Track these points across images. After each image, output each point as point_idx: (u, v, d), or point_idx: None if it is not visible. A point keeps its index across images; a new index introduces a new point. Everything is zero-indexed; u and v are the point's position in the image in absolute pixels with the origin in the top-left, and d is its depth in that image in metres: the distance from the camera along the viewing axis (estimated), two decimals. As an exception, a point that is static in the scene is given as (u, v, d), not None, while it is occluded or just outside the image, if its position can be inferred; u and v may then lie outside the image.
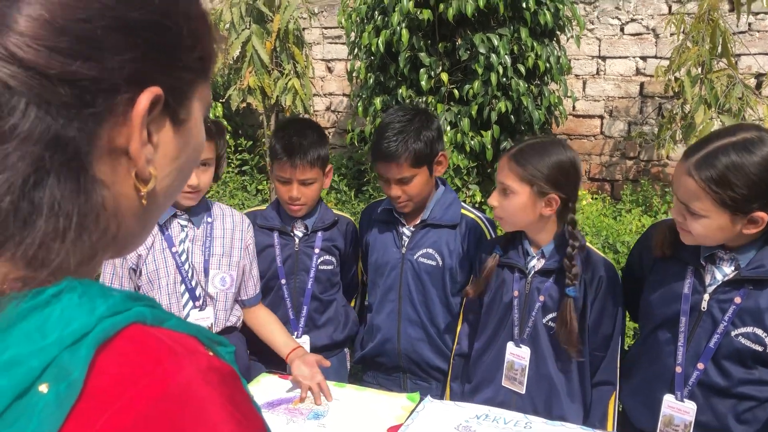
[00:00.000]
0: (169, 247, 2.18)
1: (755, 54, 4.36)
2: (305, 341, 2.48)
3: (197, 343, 0.53)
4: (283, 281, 2.46)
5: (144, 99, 0.56)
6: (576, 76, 4.86)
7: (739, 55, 4.40)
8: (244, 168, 5.38)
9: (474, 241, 2.33)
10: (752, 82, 4.36)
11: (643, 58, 4.62)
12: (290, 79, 4.87)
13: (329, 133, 5.82)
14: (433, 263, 2.35)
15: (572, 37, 3.95)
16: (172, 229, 2.20)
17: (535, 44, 3.70)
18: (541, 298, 2.01)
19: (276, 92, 4.91)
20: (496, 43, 3.58)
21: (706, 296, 1.75)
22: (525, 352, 2.06)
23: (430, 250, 2.36)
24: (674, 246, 1.84)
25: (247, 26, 4.82)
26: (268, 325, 2.36)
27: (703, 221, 1.66)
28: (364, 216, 2.59)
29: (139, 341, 0.49)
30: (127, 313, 0.50)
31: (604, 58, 4.78)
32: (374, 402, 2.04)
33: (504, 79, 3.68)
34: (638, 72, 4.66)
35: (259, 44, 4.78)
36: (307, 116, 5.49)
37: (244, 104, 4.98)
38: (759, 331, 1.68)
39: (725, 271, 1.76)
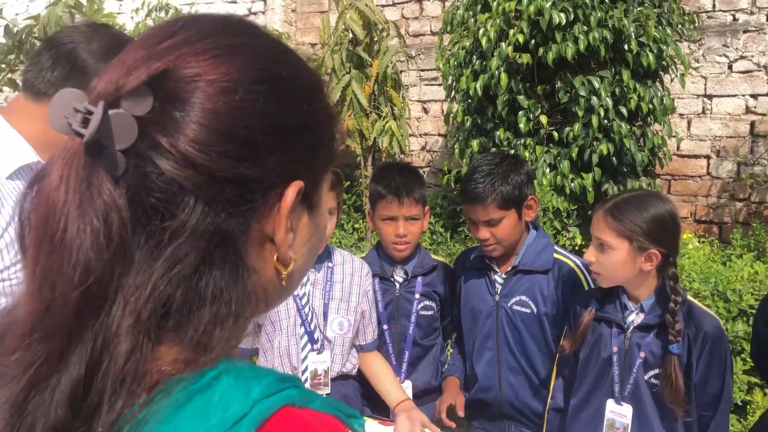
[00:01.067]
0: None
1: None
2: (408, 386, 2.50)
3: (340, 423, 0.56)
4: (385, 326, 2.50)
5: (291, 193, 0.61)
6: (680, 115, 4.72)
7: None
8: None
9: (569, 288, 2.29)
10: None
11: (754, 96, 4.44)
12: (387, 122, 4.98)
13: (424, 172, 5.89)
14: (528, 311, 2.33)
15: (677, 77, 3.85)
16: None
17: (637, 86, 3.63)
18: (642, 354, 1.95)
19: (374, 134, 5.02)
20: (597, 85, 3.54)
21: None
22: (627, 410, 2.00)
23: (524, 297, 2.34)
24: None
25: (347, 71, 4.98)
26: (381, 374, 2.38)
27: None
28: (458, 263, 2.61)
29: (291, 423, 0.53)
30: (279, 395, 0.53)
31: (710, 97, 4.62)
32: None
33: (605, 121, 3.62)
34: (748, 111, 4.47)
35: (359, 89, 4.92)
36: (403, 158, 5.58)
37: (343, 146, 5.11)
38: None
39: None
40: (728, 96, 4.55)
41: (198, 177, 0.54)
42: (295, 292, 2.27)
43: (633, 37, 3.52)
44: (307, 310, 2.26)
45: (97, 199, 0.51)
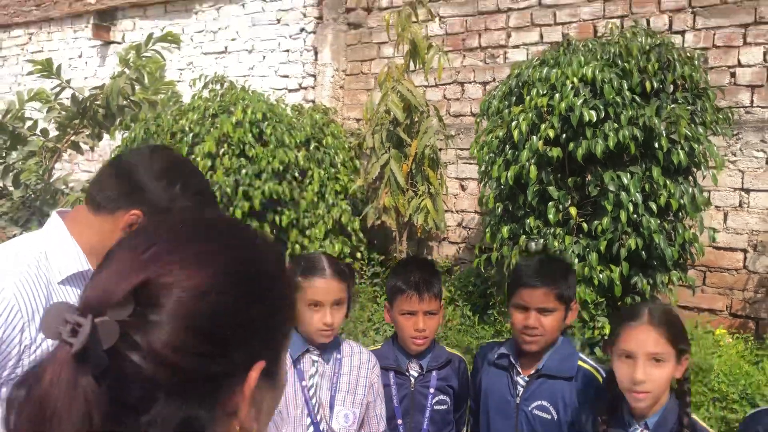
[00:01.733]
0: (300, 381, 2.34)
1: None
2: None
3: None
4: (399, 421, 2.54)
5: (254, 375, 0.68)
6: (717, 207, 4.71)
7: None
8: (375, 280, 5.60)
9: (592, 395, 2.31)
10: None
11: (790, 193, 4.42)
12: (423, 200, 5.10)
13: (459, 248, 5.96)
14: (548, 417, 2.35)
15: (709, 174, 3.87)
16: (303, 363, 2.37)
17: (668, 182, 3.66)
18: None
19: (409, 211, 5.14)
20: (626, 181, 3.60)
21: None
22: None
23: (545, 403, 2.37)
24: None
25: (386, 150, 5.15)
26: None
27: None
28: (479, 356, 2.64)
29: None
30: None
31: (747, 191, 4.61)
32: None
33: (635, 215, 3.66)
34: (786, 206, 4.44)
35: (396, 167, 5.07)
36: (439, 234, 5.67)
37: (379, 222, 5.24)
38: None
39: None
40: (765, 191, 4.53)
41: (172, 376, 0.62)
42: (304, 383, 2.34)
43: (663, 135, 3.58)
44: (314, 401, 2.32)
45: (81, 398, 0.60)
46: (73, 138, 6.18)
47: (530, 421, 2.36)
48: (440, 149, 5.59)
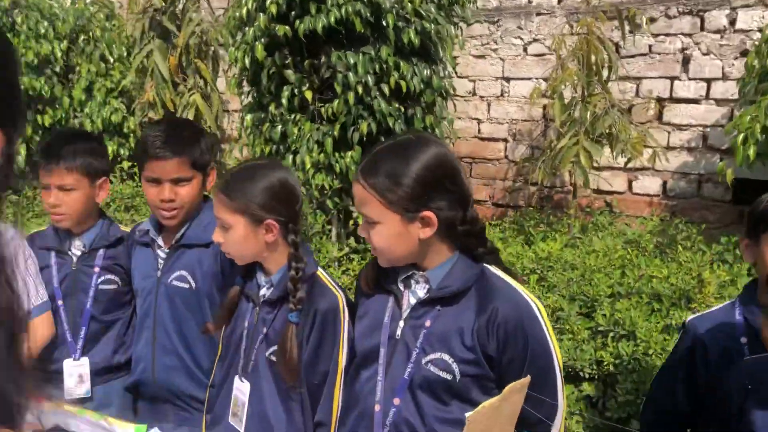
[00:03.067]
0: None
1: (655, 77, 4.17)
2: (84, 363, 2.38)
3: None
4: (60, 302, 2.37)
5: None
6: (481, 97, 4.72)
7: (639, 78, 4.22)
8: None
9: (229, 262, 2.21)
10: (652, 105, 4.17)
11: (546, 80, 4.46)
12: (193, 95, 4.81)
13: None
14: (186, 286, 2.23)
15: (447, 58, 3.81)
16: None
17: (401, 63, 3.56)
18: (264, 330, 1.87)
19: (179, 108, 4.84)
20: (352, 60, 3.46)
21: (402, 322, 1.60)
22: (246, 387, 1.92)
23: (184, 273, 2.25)
24: (379, 278, 1.70)
25: (151, 40, 4.78)
26: None
27: (379, 229, 1.55)
28: (129, 237, 2.48)
29: None
30: None
31: (508, 79, 4.63)
32: (96, 430, 1.91)
33: (368, 99, 3.55)
34: (544, 95, 4.50)
35: (160, 59, 4.72)
36: (218, 134, 5.40)
37: (146, 119, 4.92)
38: (446, 357, 1.51)
39: (419, 294, 1.61)
40: (524, 79, 4.56)
41: None
42: None
43: (392, 12, 3.45)
44: None
45: None
46: None
47: (169, 293, 2.24)
48: (221, 45, 5.26)
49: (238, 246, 1.86)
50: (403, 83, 3.53)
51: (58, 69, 5.07)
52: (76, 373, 2.40)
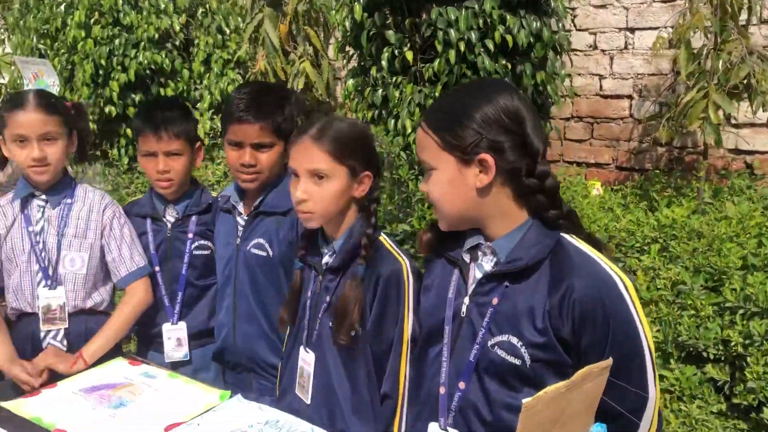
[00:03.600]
0: (27, 226, 2.24)
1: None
2: (182, 327, 2.45)
3: None
4: (157, 268, 2.45)
5: None
6: (602, 51, 4.34)
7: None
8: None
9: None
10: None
11: (673, 28, 4.01)
12: (303, 63, 4.79)
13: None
14: (264, 254, 2.21)
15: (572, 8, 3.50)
16: (31, 208, 2.26)
17: (508, 16, 3.32)
18: (328, 298, 1.80)
19: (290, 77, 4.86)
20: (454, 16, 3.26)
21: (467, 299, 1.45)
22: (311, 357, 1.86)
23: (261, 240, 2.22)
24: (441, 242, 1.56)
25: (260, 9, 4.80)
26: (109, 319, 2.32)
27: (435, 176, 1.41)
28: (215, 203, 2.48)
29: None
30: None
31: (632, 30, 4.22)
32: (181, 395, 1.94)
33: (472, 56, 3.34)
34: (670, 44, 4.06)
35: (271, 28, 4.74)
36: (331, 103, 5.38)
37: (259, 88, 4.97)
38: (514, 340, 1.34)
39: (485, 267, 1.45)
40: (651, 29, 4.14)
41: None
42: (31, 228, 2.23)
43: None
44: (41, 246, 2.23)
45: None
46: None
47: (248, 260, 2.23)
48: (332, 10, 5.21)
49: (329, 201, 1.74)
50: (509, 38, 3.28)
51: (177, 43, 5.23)
52: (174, 336, 2.46)
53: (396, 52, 3.50)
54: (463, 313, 1.44)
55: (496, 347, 1.36)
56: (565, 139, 4.56)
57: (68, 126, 2.29)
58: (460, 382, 1.42)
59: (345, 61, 4.06)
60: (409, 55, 3.46)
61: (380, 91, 3.57)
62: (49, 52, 5.30)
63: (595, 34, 4.34)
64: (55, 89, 2.59)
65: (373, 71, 3.64)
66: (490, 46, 3.30)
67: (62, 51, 5.20)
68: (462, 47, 3.28)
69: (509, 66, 3.41)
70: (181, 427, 1.76)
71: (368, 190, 1.78)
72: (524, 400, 1.04)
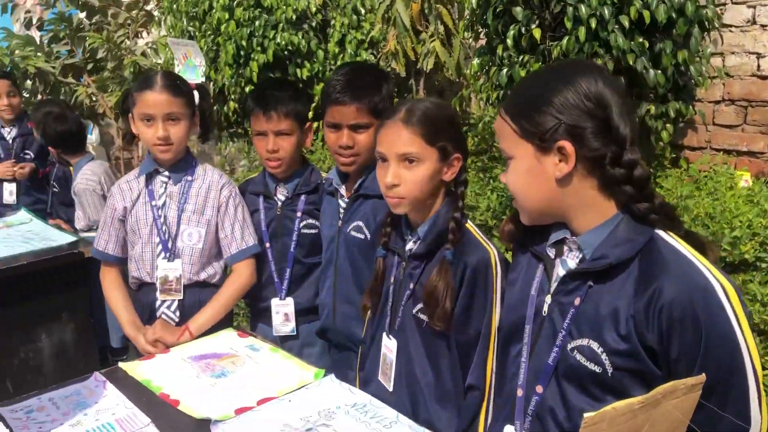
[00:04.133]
0: (150, 201, 2.41)
1: None
2: (289, 303, 2.54)
3: None
4: (267, 244, 2.54)
5: None
6: (762, 26, 3.90)
7: None
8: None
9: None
10: None
11: None
12: (433, 42, 4.72)
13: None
14: (362, 237, 2.23)
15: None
16: (154, 184, 2.42)
17: (645, -10, 3.06)
18: (411, 285, 1.77)
19: (421, 56, 4.81)
20: (585, -10, 3.05)
21: (548, 297, 1.38)
22: (394, 344, 1.85)
23: (360, 223, 2.24)
24: (526, 235, 1.48)
25: (393, -11, 4.77)
26: (218, 292, 2.44)
27: (513, 166, 1.35)
28: (321, 185, 2.52)
29: None
30: None
31: (798, 2, 3.75)
32: (278, 370, 2.01)
33: (605, 33, 3.12)
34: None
35: (402, 7, 4.71)
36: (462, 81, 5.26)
37: (389, 69, 4.97)
38: (594, 345, 1.25)
39: (569, 264, 1.36)
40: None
41: None
42: (154, 203, 2.38)
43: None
44: (162, 220, 2.38)
45: None
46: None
47: (348, 243, 2.25)
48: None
49: (420, 185, 1.71)
50: (646, 13, 3.03)
51: (314, 24, 5.34)
52: (282, 311, 2.54)
53: (523, 29, 3.34)
54: (545, 312, 1.36)
55: (576, 351, 1.26)
56: (713, 124, 4.17)
57: (191, 107, 2.40)
58: (538, 385, 1.34)
59: (473, 40, 3.95)
60: (537, 33, 3.29)
61: (505, 70, 3.43)
62: (197, 33, 5.61)
63: (754, 7, 3.91)
64: (201, 69, 2.73)
65: (499, 50, 3.50)
66: (625, 22, 3.06)
67: (208, 33, 5.48)
68: (593, 24, 3.07)
69: (646, 44, 3.15)
70: (272, 402, 1.80)
71: (456, 173, 1.72)
72: (585, 414, 0.95)
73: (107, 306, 2.46)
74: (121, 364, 2.07)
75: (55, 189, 4.46)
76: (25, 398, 1.85)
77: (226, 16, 5.28)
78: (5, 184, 4.70)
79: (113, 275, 2.47)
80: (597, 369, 1.23)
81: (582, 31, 3.09)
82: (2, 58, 6.81)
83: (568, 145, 1.25)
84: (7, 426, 1.68)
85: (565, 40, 3.17)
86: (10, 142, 4.76)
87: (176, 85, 2.35)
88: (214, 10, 5.36)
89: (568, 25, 3.14)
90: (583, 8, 3.07)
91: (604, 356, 1.22)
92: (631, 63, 3.12)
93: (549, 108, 1.26)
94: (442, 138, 1.67)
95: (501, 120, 1.36)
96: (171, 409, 1.76)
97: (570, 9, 3.12)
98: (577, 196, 1.29)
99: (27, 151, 4.75)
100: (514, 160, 1.34)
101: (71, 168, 4.28)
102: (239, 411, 1.74)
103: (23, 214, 3.83)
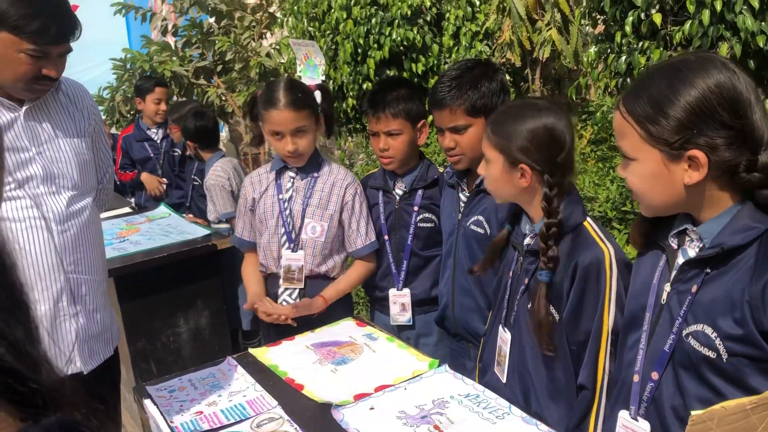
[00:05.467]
0: (278, 194, 2.58)
1: None
2: (406, 293, 2.64)
3: None
4: (386, 237, 2.65)
5: None
6: None
7: None
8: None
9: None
10: None
11: None
12: (549, 30, 4.66)
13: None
14: (482, 231, 2.28)
15: None
16: (283, 178, 2.60)
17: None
18: (526, 280, 1.81)
19: (536, 46, 4.76)
20: (710, -29, 2.91)
21: (668, 285, 1.39)
22: (508, 336, 1.89)
23: (481, 218, 2.28)
24: (652, 232, 1.49)
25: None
26: (342, 277, 2.60)
27: (635, 167, 1.34)
28: (441, 178, 2.58)
29: None
30: None
31: None
32: (394, 359, 2.11)
33: (731, 15, 2.97)
34: None
35: (517, -3, 4.67)
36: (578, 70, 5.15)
37: (503, 59, 4.94)
38: (709, 330, 1.26)
39: (689, 253, 1.37)
40: None
41: None
42: (281, 196, 2.55)
43: None
44: (288, 212, 2.55)
45: None
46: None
47: (467, 236, 2.30)
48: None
49: (493, 183, 1.80)
50: (777, -8, 2.86)
51: (429, 18, 5.40)
52: (399, 302, 2.64)
53: (642, 15, 3.24)
54: (664, 300, 1.36)
55: (690, 337, 1.26)
56: None
57: (315, 113, 2.52)
58: (654, 372, 1.35)
59: (591, 27, 3.86)
60: (657, 18, 3.18)
61: (624, 57, 3.34)
62: (316, 33, 5.82)
63: None
64: (321, 68, 2.88)
65: (617, 37, 3.41)
66: (754, 2, 2.89)
67: (327, 32, 5.68)
68: (718, 6, 2.93)
69: (779, 24, 2.97)
70: (389, 389, 1.89)
71: (540, 180, 1.73)
72: (693, 412, 0.95)
73: (240, 292, 2.67)
74: (251, 350, 2.23)
75: (195, 182, 4.80)
76: (168, 379, 2.06)
77: (344, 16, 5.44)
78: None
79: (252, 259, 2.68)
80: (711, 354, 1.22)
81: (706, 14, 2.95)
82: (143, 64, 7.38)
83: (701, 155, 1.22)
84: (154, 402, 1.88)
85: (687, 24, 3.05)
86: (159, 141, 5.21)
87: (298, 99, 2.45)
88: (332, 10, 5.54)
89: (691, 8, 3.02)
90: (707, -10, 2.94)
91: (718, 341, 1.21)
92: (761, 45, 2.95)
93: (678, 112, 1.22)
94: (508, 145, 1.75)
95: (622, 119, 1.32)
96: (296, 393, 1.89)
97: (692, -9, 3.00)
98: (704, 195, 1.27)
99: (175, 149, 5.16)
100: (638, 162, 1.31)
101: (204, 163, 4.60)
102: (358, 397, 1.84)
103: (162, 209, 4.17)
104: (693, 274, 1.30)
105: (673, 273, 1.36)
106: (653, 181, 1.30)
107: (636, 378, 1.42)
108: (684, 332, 1.29)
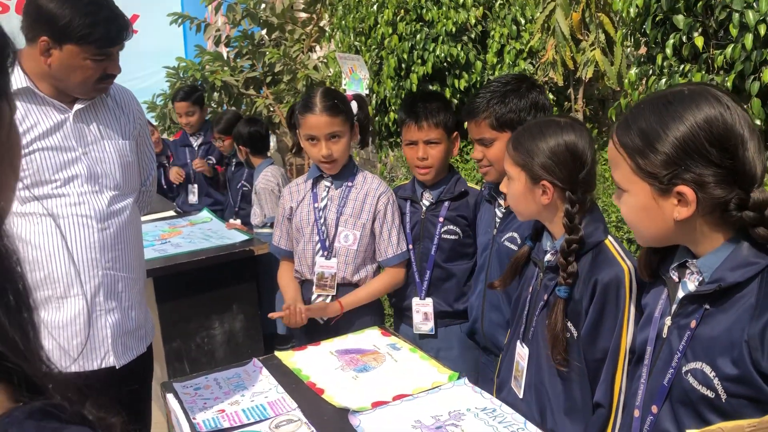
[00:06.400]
0: (313, 203, 2.66)
1: None
2: (428, 303, 2.68)
3: None
4: (411, 246, 2.70)
5: None
6: None
7: None
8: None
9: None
10: None
11: None
12: (593, 50, 4.64)
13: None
14: (515, 248, 2.30)
15: None
16: (318, 188, 2.67)
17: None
18: (545, 296, 1.84)
19: (580, 65, 4.75)
20: (753, -4, 2.88)
21: (668, 319, 1.40)
22: (525, 352, 1.91)
23: (515, 234, 2.31)
24: (657, 264, 1.50)
25: (553, -2, 4.76)
26: (368, 283, 2.65)
27: (626, 198, 1.36)
28: (480, 193, 2.60)
29: None
30: None
31: None
32: (415, 370, 2.15)
33: (774, 40, 2.94)
34: None
35: (562, 16, 4.68)
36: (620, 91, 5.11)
37: (546, 78, 4.95)
38: (707, 369, 1.26)
39: (689, 287, 1.37)
40: None
41: None
42: (316, 205, 2.61)
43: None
44: (322, 221, 2.61)
45: None
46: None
47: (500, 252, 2.33)
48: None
49: (514, 200, 1.83)
50: (824, 18, 2.81)
51: (473, 35, 5.44)
52: (422, 311, 2.68)
53: (684, 38, 3.22)
54: (665, 334, 1.36)
55: (689, 375, 1.26)
56: None
57: (350, 121, 2.59)
58: (653, 405, 1.35)
59: (634, 48, 3.85)
60: (699, 41, 3.16)
61: (665, 80, 3.33)
62: (362, 48, 5.92)
63: None
64: (365, 82, 2.97)
65: (659, 59, 3.40)
66: (799, 27, 2.86)
67: (373, 47, 5.77)
68: (762, 30, 2.89)
69: (828, 50, 2.92)
70: (407, 398, 1.93)
71: (562, 197, 1.75)
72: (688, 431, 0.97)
73: (277, 298, 2.74)
74: (276, 353, 2.30)
75: (245, 188, 4.93)
76: (195, 377, 2.14)
77: (390, 31, 5.53)
78: (189, 186, 5.37)
79: (287, 266, 2.75)
80: (710, 394, 1.22)
81: (749, 39, 2.92)
82: (195, 73, 7.61)
83: (689, 192, 1.22)
84: (178, 398, 1.95)
85: (729, 48, 3.02)
86: (196, 148, 5.41)
87: (334, 104, 2.53)
88: (378, 26, 5.63)
89: (734, 32, 2.99)
90: (750, 14, 2.91)
91: (716, 381, 1.21)
92: (806, 71, 2.91)
93: (667, 148, 1.22)
94: (530, 162, 1.78)
95: (615, 150, 1.33)
96: (316, 397, 1.95)
97: (736, 15, 2.97)
98: (696, 230, 1.27)
99: (210, 157, 5.36)
100: (629, 194, 1.32)
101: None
102: (376, 404, 1.88)
103: (205, 214, 4.30)
104: (692, 309, 1.30)
105: (674, 307, 1.37)
106: (643, 214, 1.31)
107: (636, 413, 1.43)
108: (683, 369, 1.29)
